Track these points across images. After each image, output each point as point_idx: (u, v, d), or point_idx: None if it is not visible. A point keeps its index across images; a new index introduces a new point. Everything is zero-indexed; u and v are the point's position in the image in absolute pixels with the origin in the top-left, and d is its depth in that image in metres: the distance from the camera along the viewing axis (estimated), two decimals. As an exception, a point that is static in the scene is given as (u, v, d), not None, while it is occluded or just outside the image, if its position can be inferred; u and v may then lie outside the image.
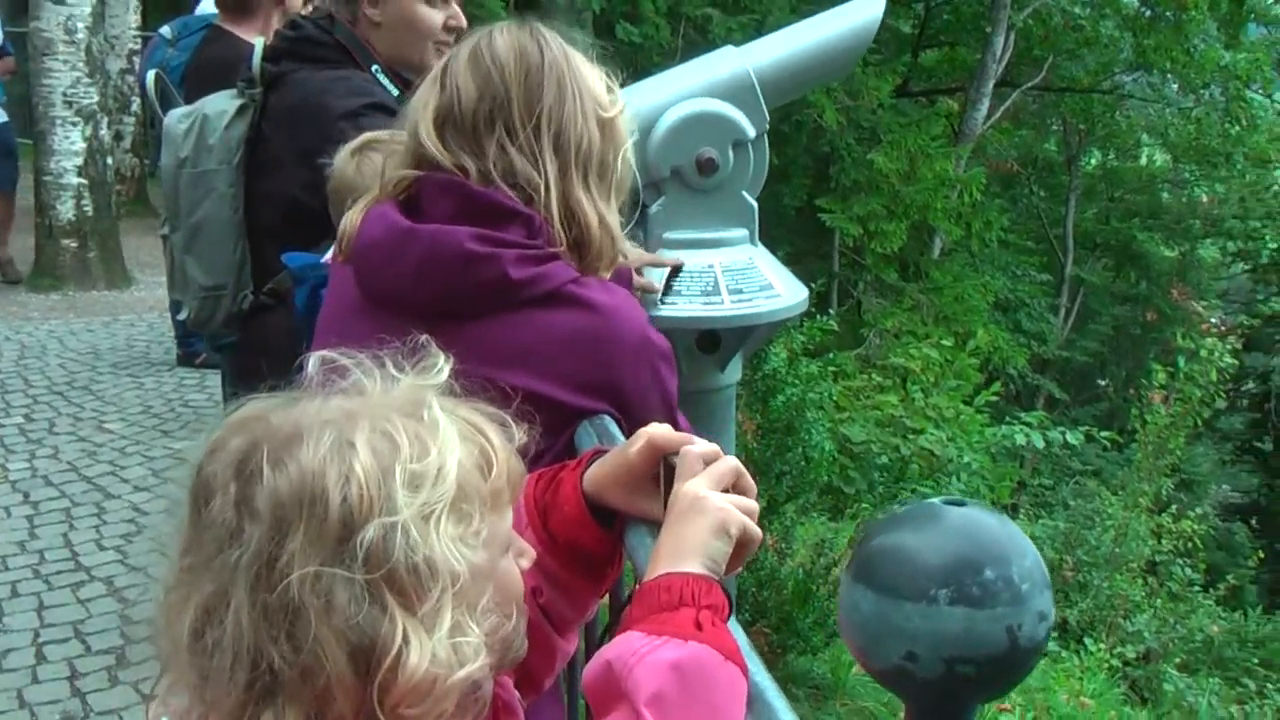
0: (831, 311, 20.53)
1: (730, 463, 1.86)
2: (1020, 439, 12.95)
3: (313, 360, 1.73)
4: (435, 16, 3.80)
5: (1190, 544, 14.20)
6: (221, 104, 4.25)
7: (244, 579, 1.46)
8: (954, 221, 20.19)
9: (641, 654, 1.53)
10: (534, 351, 2.39)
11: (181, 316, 5.19)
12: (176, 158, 4.23)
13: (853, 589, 1.51)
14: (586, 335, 2.41)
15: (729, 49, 3.79)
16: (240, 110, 4.20)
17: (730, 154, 3.59)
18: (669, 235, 3.61)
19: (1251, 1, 23.60)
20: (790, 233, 21.80)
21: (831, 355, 15.54)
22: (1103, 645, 11.05)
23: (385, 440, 1.54)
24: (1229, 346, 15.53)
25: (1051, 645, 10.71)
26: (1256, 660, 13.48)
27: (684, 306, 3.50)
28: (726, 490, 1.82)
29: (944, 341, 15.62)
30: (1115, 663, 10.76)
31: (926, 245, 21.21)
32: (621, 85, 2.66)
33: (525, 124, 2.45)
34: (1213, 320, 20.23)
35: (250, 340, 4.31)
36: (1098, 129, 27.81)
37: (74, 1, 12.66)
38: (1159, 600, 12.89)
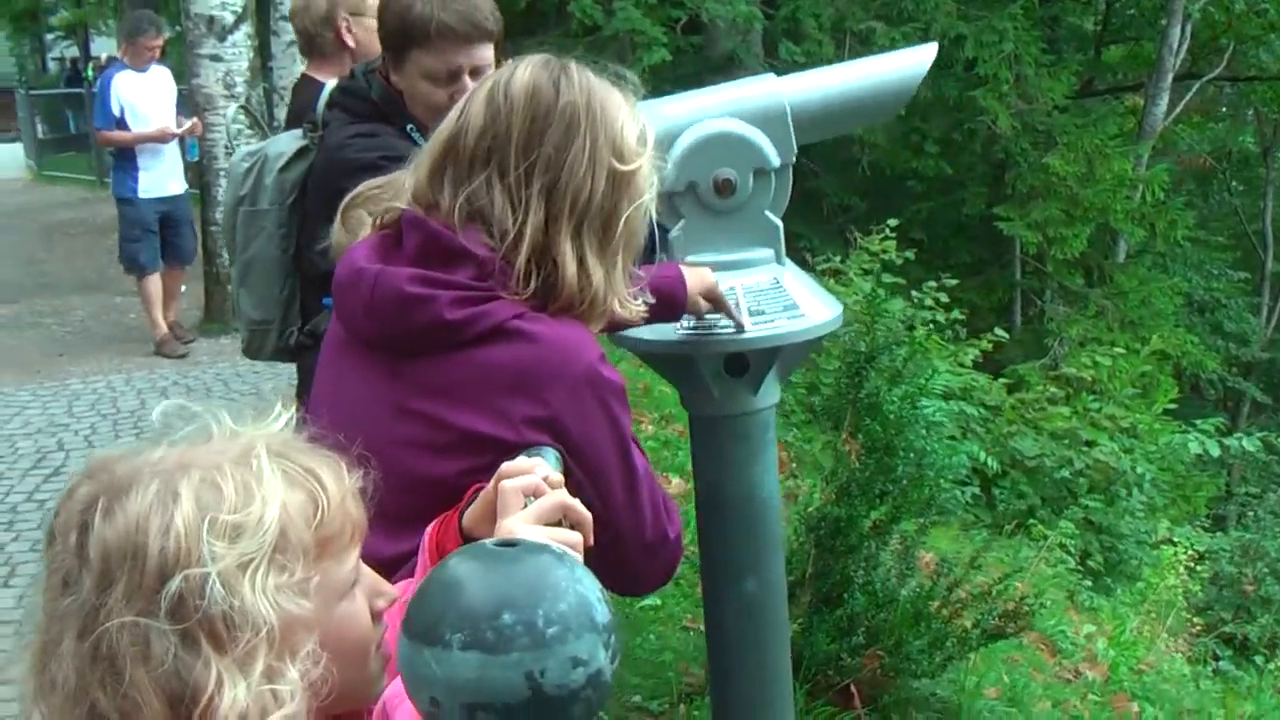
0: (1016, 321, 20.39)
1: (554, 499, 1.86)
2: (1195, 447, 12.53)
3: (159, 410, 1.75)
4: (438, 94, 3.76)
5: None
6: (284, 145, 4.36)
7: (73, 624, 1.51)
8: (1136, 223, 19.70)
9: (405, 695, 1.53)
10: (477, 388, 2.33)
11: None
12: (236, 195, 4.38)
13: (398, 634, 1.45)
14: (527, 368, 2.33)
15: (770, 76, 3.73)
16: (300, 152, 4.27)
17: (750, 179, 3.51)
18: (690, 258, 3.52)
19: None
20: (970, 242, 21.54)
21: (1012, 368, 15.31)
22: (1280, 663, 10.61)
23: (211, 490, 1.55)
24: None
25: (1225, 664, 10.33)
26: None
27: (703, 330, 3.43)
28: (560, 523, 1.85)
29: (1119, 348, 15.22)
30: (1299, 681, 10.32)
31: (1111, 249, 20.73)
32: None
33: (518, 165, 2.38)
34: None
35: (299, 378, 4.46)
36: (1293, 117, 26.95)
37: (231, 57, 12.93)
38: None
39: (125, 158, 12.26)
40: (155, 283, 12.44)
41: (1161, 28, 21.39)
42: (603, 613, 1.42)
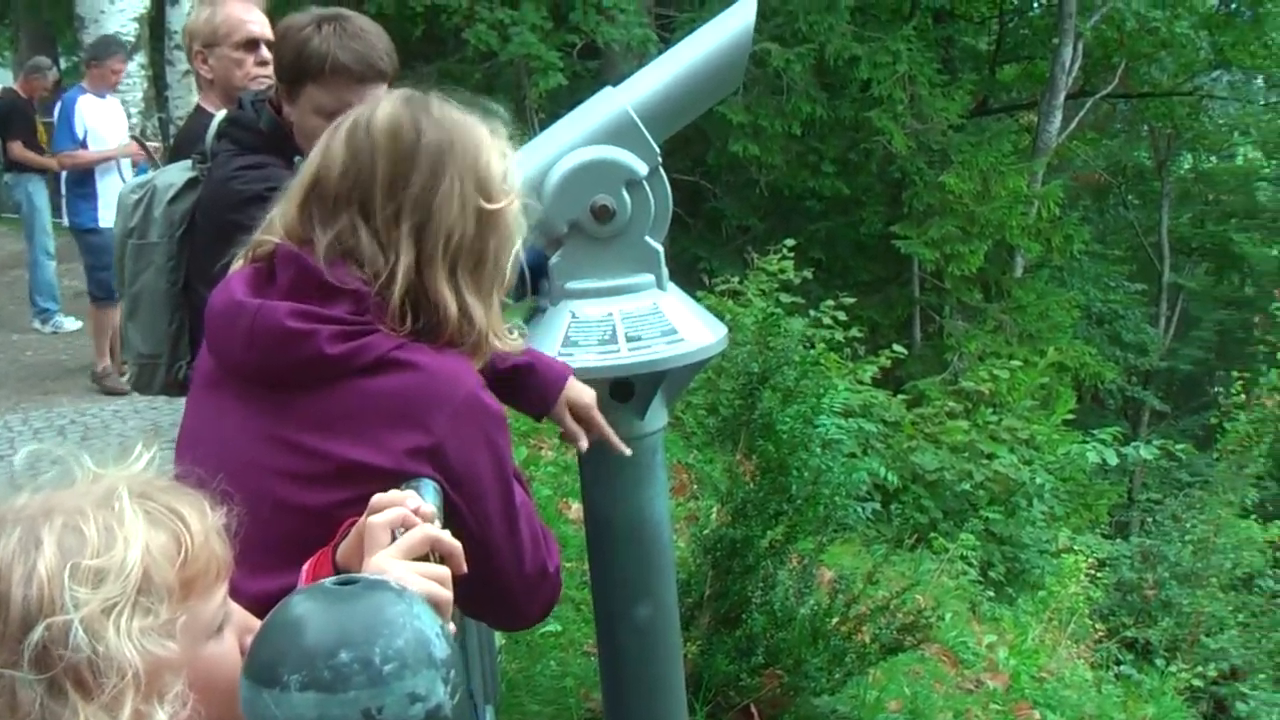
0: (915, 338, 20.57)
1: (420, 532, 1.84)
2: (1094, 457, 12.70)
3: (20, 455, 1.75)
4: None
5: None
6: (173, 177, 4.26)
7: None
8: (1032, 238, 19.96)
9: None
10: (359, 419, 2.30)
11: None
12: (125, 228, 4.25)
13: (240, 677, 1.45)
14: (411, 396, 2.30)
15: (607, 90, 3.70)
16: (190, 184, 4.20)
17: (626, 196, 3.51)
18: (570, 285, 3.54)
19: (1334, -10, 23.11)
20: (869, 260, 21.71)
21: (912, 384, 15.43)
22: (1182, 665, 10.76)
23: (74, 535, 1.54)
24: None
25: (1127, 668, 10.46)
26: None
27: (580, 357, 3.43)
28: (428, 556, 1.82)
29: (1017, 362, 15.40)
30: (1197, 682, 10.45)
31: (1008, 264, 20.96)
32: None
33: (385, 206, 2.36)
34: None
35: (190, 412, 4.34)
36: (1184, 132, 27.36)
37: (124, 88, 12.72)
38: (1245, 615, 12.55)
39: (85, 186, 12.01)
40: (118, 312, 12.35)
41: (1054, 47, 21.65)
42: (441, 648, 1.42)
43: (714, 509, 5.73)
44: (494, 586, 2.40)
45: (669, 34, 17.49)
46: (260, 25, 4.74)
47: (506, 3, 16.26)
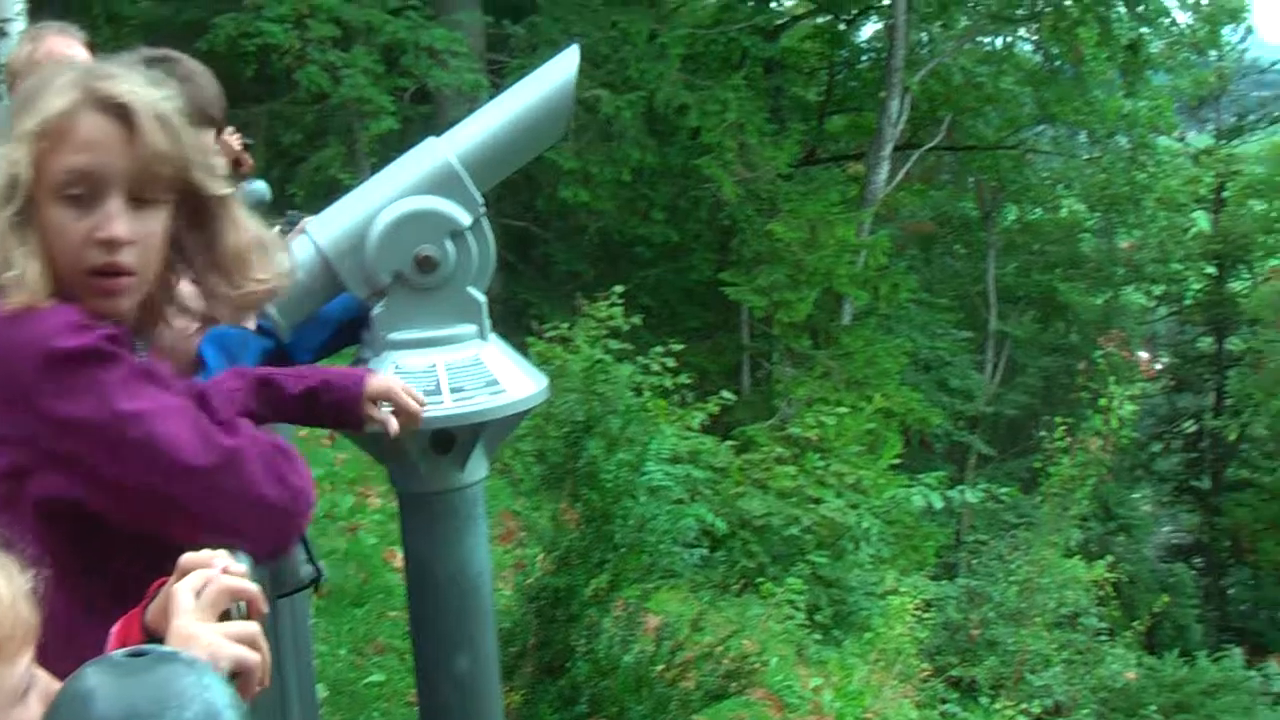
0: (744, 384, 20.72)
1: (217, 586, 1.79)
2: (919, 501, 12.91)
3: None
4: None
5: (1104, 592, 14.15)
6: None
7: None
8: (860, 286, 20.21)
9: None
10: None
11: None
12: None
13: None
14: None
15: (431, 140, 3.69)
16: None
17: (449, 247, 3.50)
18: (393, 336, 3.51)
19: (1148, 51, 23.80)
20: (698, 307, 21.86)
21: (740, 430, 15.54)
22: (1007, 702, 10.95)
23: None
24: (1142, 389, 15.51)
25: (952, 706, 10.62)
26: (1168, 705, 13.40)
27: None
28: (230, 611, 1.79)
29: (844, 408, 15.58)
30: (1022, 719, 10.65)
31: (836, 312, 21.18)
32: None
33: None
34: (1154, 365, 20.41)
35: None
36: (1010, 184, 27.96)
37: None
38: (1069, 652, 12.82)
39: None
40: None
41: (882, 99, 21.98)
42: (232, 719, 1.40)
43: (539, 557, 5.72)
44: (188, 510, 2.28)
45: (500, 79, 17.49)
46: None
47: (338, 45, 16.17)
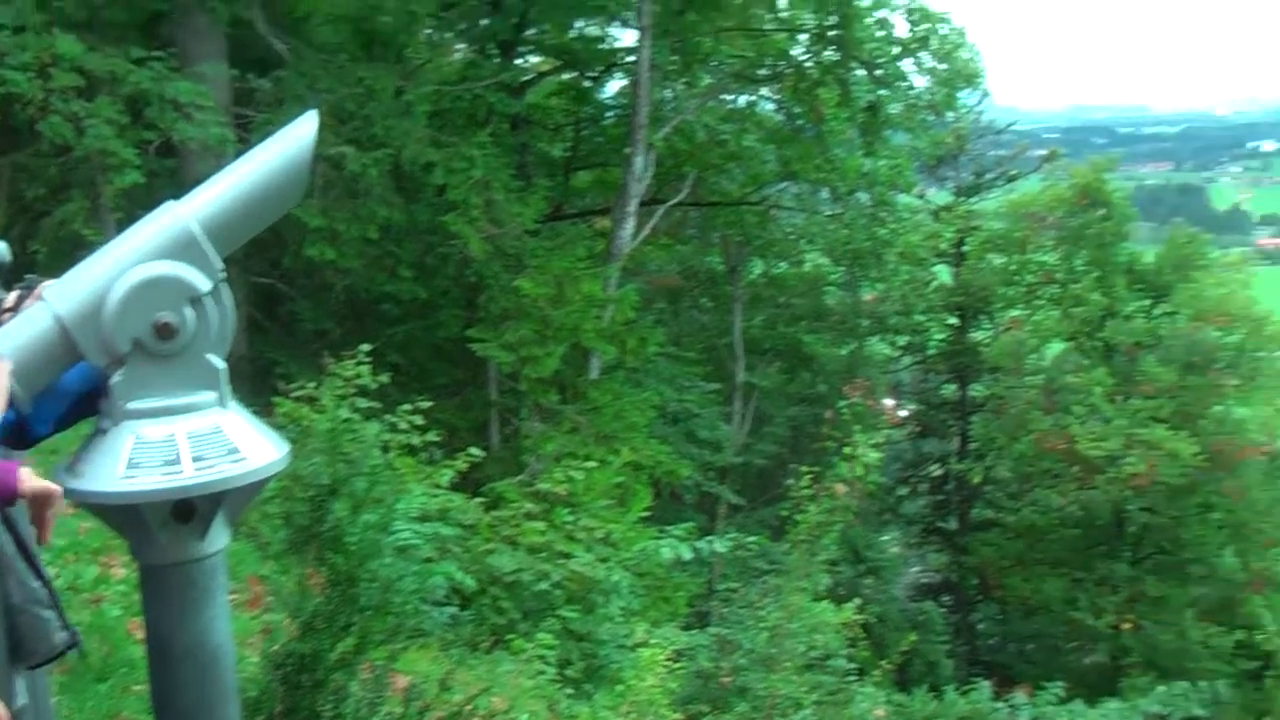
0: (494, 440, 20.73)
1: None
2: (669, 553, 13.05)
3: None
4: None
5: (853, 633, 14.44)
6: None
7: None
8: (607, 341, 20.38)
9: None
10: None
11: None
12: None
13: None
14: None
15: (169, 204, 3.66)
16: None
17: (188, 313, 3.47)
18: (132, 406, 3.47)
19: (886, 112, 24.50)
20: (447, 364, 21.84)
21: (490, 486, 15.53)
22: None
23: None
24: (888, 436, 15.89)
25: (707, 756, 10.74)
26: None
27: (144, 479, 3.36)
28: None
29: (593, 462, 15.66)
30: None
31: (585, 367, 21.32)
32: None
33: None
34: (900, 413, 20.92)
35: None
36: (754, 239, 28.50)
37: None
38: (819, 694, 13.04)
39: None
40: None
41: (627, 155, 22.18)
42: None
43: (285, 623, 5.67)
44: None
45: (247, 133, 17.32)
46: None
47: (82, 95, 15.85)
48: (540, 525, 12.76)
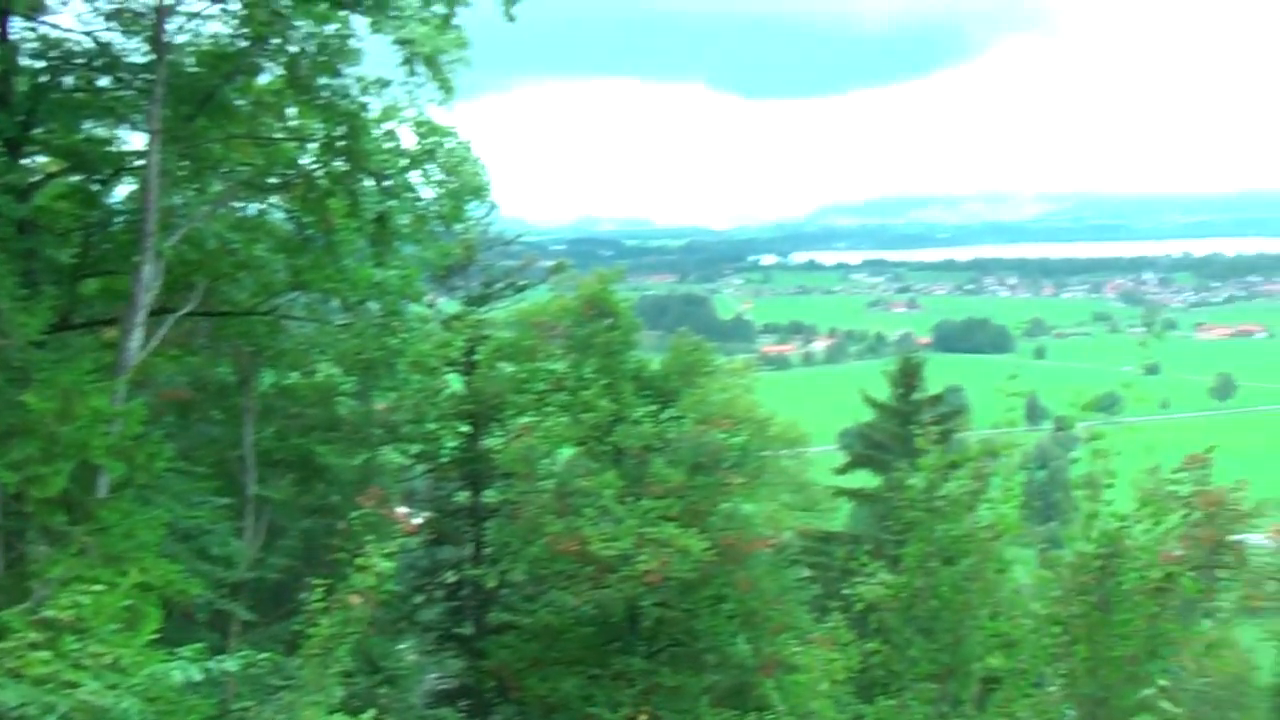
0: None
1: None
2: (179, 675, 12.83)
3: None
4: None
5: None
6: None
7: None
8: (116, 457, 19.83)
9: None
10: None
11: None
12: None
13: None
14: None
15: None
16: None
17: None
18: None
19: (396, 223, 24.76)
20: (-52, 486, 20.82)
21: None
22: None
23: None
24: (402, 544, 16.05)
25: None
26: None
27: None
28: None
29: (101, 585, 15.24)
30: None
31: (93, 485, 20.66)
32: None
33: None
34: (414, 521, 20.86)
35: None
36: (266, 349, 28.29)
37: None
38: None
39: None
40: None
41: (136, 263, 21.69)
42: None
43: None
44: None
45: None
46: None
47: None
48: (46, 654, 12.34)
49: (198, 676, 13.00)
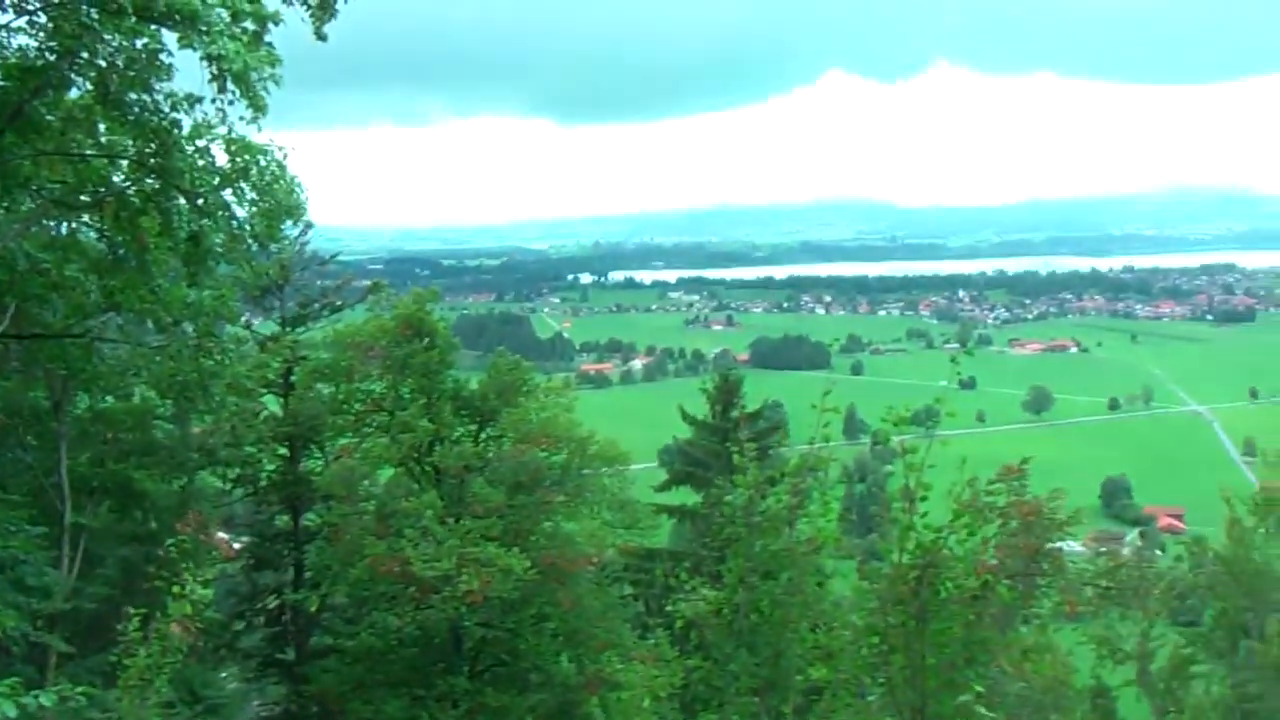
0: None
1: None
2: (-7, 714, 12.58)
3: None
4: None
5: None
6: None
7: None
8: (-76, 488, 19.42)
9: None
10: None
11: None
12: None
13: None
14: None
15: None
16: None
17: None
18: None
19: (210, 242, 24.40)
20: None
21: None
22: None
23: None
24: (222, 570, 15.91)
25: None
26: None
27: None
28: None
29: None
30: None
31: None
32: None
33: None
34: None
35: None
36: (79, 372, 27.77)
37: None
38: None
39: None
40: None
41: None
42: None
43: None
44: None
45: None
46: None
47: None
48: None
49: (12, 713, 12.71)
